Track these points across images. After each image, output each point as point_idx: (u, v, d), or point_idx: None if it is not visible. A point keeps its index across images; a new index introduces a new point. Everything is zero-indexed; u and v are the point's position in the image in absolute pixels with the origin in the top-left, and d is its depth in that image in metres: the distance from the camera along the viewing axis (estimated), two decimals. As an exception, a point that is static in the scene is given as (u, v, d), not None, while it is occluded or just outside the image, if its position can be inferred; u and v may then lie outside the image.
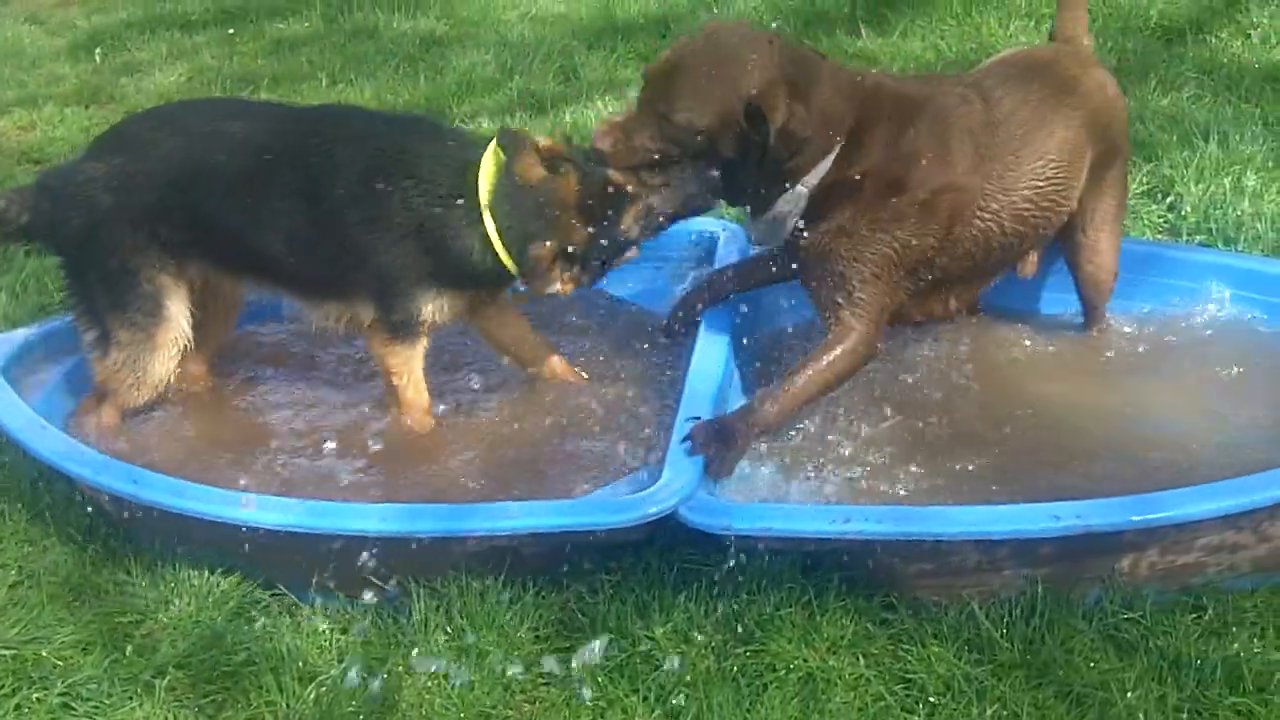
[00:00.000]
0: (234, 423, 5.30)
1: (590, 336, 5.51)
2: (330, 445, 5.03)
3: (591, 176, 4.67)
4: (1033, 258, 5.14)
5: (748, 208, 4.79)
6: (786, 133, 4.38)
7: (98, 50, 10.40)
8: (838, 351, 4.61)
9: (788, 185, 4.58)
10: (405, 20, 10.22)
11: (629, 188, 4.63)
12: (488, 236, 4.75)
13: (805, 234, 4.65)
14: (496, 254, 4.76)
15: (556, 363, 5.27)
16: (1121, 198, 5.15)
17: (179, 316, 5.08)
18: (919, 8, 9.13)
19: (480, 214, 4.74)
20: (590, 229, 4.71)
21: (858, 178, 4.56)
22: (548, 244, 4.71)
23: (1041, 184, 4.75)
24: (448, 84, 8.79)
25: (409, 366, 5.03)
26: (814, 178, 4.57)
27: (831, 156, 4.56)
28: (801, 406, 4.62)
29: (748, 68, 4.39)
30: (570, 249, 4.73)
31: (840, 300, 4.64)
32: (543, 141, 4.79)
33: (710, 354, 4.87)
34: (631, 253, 4.86)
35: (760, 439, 4.55)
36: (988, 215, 4.69)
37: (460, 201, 4.76)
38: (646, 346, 5.39)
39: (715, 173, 4.54)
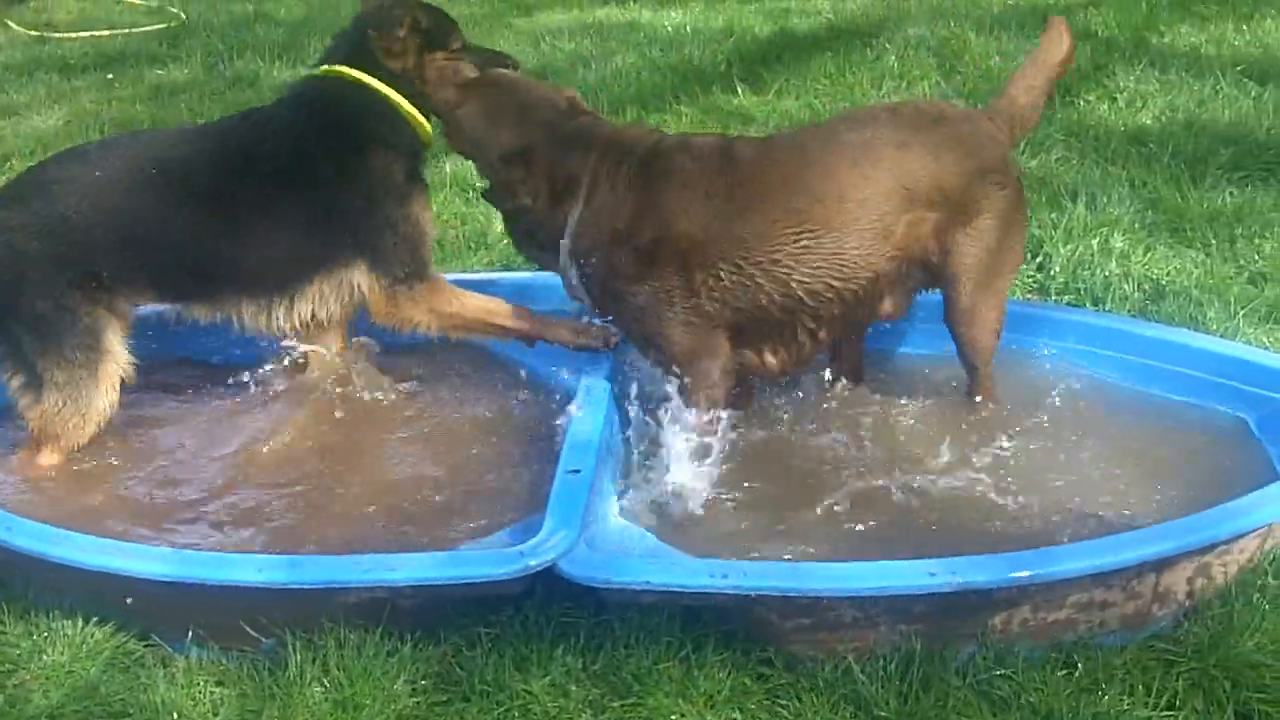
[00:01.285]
0: (121, 468, 5.24)
1: (473, 387, 5.52)
2: (209, 493, 5.01)
3: None
4: (888, 303, 5.05)
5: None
6: (510, 189, 5.05)
7: (-26, 93, 10.30)
8: (693, 398, 4.86)
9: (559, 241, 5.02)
10: (286, 69, 10.24)
11: None
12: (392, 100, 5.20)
13: (595, 301, 5.06)
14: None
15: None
16: (998, 256, 5.00)
17: (119, 348, 5.07)
18: (794, 67, 9.29)
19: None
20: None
21: (595, 233, 4.92)
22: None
23: (814, 255, 4.77)
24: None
25: (443, 296, 5.26)
26: (566, 236, 4.99)
27: (576, 213, 4.96)
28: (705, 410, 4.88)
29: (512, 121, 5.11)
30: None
31: (655, 356, 4.95)
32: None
33: (591, 403, 4.90)
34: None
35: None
36: (736, 272, 4.78)
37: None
38: (526, 398, 5.41)
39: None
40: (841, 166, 4.81)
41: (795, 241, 4.76)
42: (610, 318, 5.09)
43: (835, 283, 4.81)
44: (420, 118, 5.23)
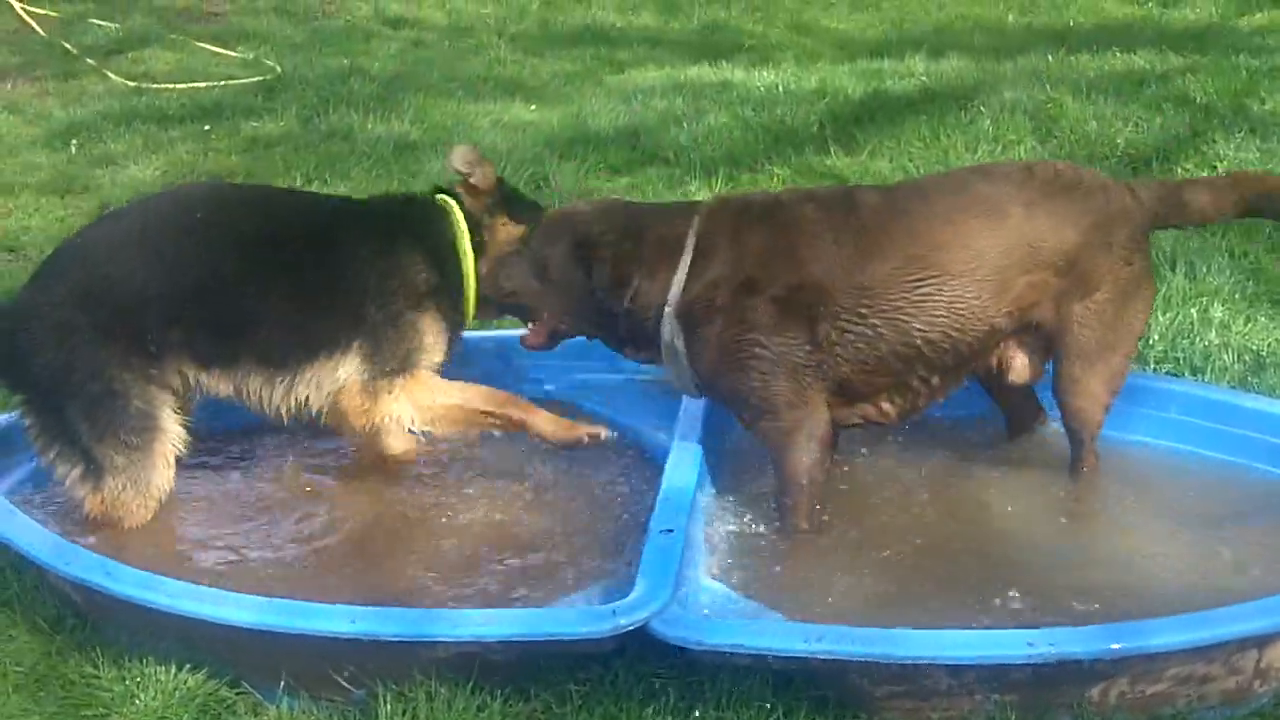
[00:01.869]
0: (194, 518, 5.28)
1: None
2: (298, 540, 5.06)
3: None
4: (1019, 363, 5.05)
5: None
6: (613, 262, 4.96)
7: (73, 141, 10.44)
8: (786, 467, 4.83)
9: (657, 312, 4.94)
10: (379, 124, 10.29)
11: None
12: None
13: (699, 365, 4.94)
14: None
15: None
16: (1113, 333, 4.96)
17: (172, 424, 5.05)
18: (887, 129, 9.28)
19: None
20: None
21: (715, 287, 4.82)
22: None
23: (933, 305, 4.75)
24: (421, 187, 8.77)
25: (431, 390, 5.22)
26: (673, 301, 4.90)
27: (682, 273, 4.87)
28: (806, 517, 4.83)
29: (585, 219, 5.11)
30: None
31: (751, 416, 4.89)
32: None
33: (683, 463, 4.89)
34: None
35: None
36: (859, 322, 4.75)
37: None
38: (617, 459, 5.41)
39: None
40: (967, 216, 4.81)
41: (917, 289, 4.74)
42: (709, 384, 4.99)
43: (953, 333, 4.79)
44: (469, 264, 5.30)
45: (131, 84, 11.90)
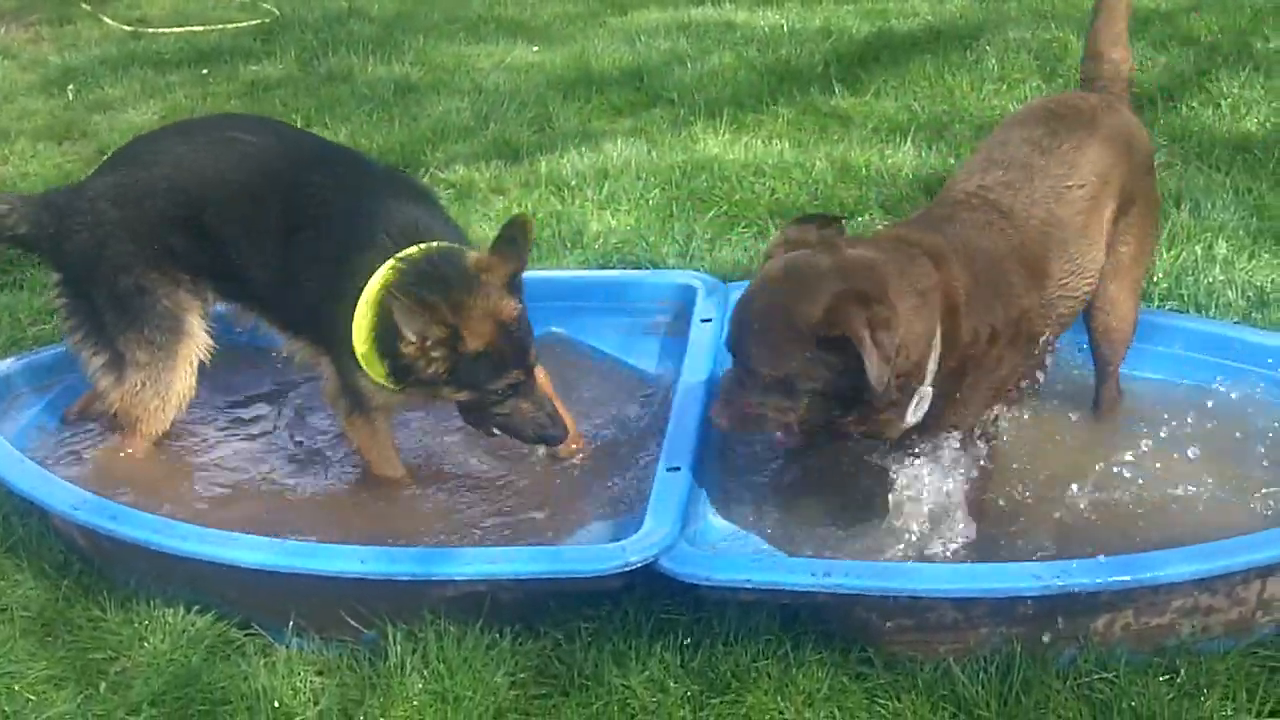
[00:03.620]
0: (206, 459, 5.31)
1: (569, 386, 5.48)
2: (310, 484, 5.08)
3: None
4: None
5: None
6: (877, 332, 4.07)
7: (70, 87, 10.42)
8: (991, 466, 4.64)
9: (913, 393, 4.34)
10: (380, 66, 10.27)
11: None
12: None
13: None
14: None
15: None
16: (1142, 245, 5.03)
17: (199, 330, 5.08)
18: (892, 69, 9.24)
19: None
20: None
21: (968, 345, 4.39)
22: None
23: (1069, 278, 4.67)
24: (422, 130, 8.81)
25: (374, 441, 5.03)
26: (931, 374, 4.33)
27: (936, 343, 4.30)
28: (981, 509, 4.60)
29: (803, 299, 4.18)
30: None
31: (959, 433, 4.56)
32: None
33: (690, 401, 4.89)
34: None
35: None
36: (1040, 324, 4.62)
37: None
38: (624, 397, 5.42)
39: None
40: (1063, 191, 4.69)
41: (1070, 270, 4.67)
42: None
43: (1086, 293, 4.81)
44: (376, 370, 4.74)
45: (128, 28, 11.87)
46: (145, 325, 4.98)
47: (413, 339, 4.45)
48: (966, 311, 4.34)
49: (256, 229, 4.93)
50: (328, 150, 5.40)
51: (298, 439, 5.39)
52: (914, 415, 4.36)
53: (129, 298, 4.97)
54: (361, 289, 4.61)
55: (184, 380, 5.06)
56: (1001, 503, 4.69)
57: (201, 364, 5.12)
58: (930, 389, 4.33)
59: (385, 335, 4.55)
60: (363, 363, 4.68)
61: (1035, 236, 4.58)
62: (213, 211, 4.96)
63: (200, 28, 11.66)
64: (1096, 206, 4.74)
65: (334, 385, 4.98)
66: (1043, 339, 4.65)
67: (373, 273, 4.61)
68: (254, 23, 11.69)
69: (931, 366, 4.29)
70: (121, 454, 5.15)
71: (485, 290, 4.53)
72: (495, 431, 4.81)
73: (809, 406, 4.26)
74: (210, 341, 5.13)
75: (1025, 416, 4.95)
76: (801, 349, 4.16)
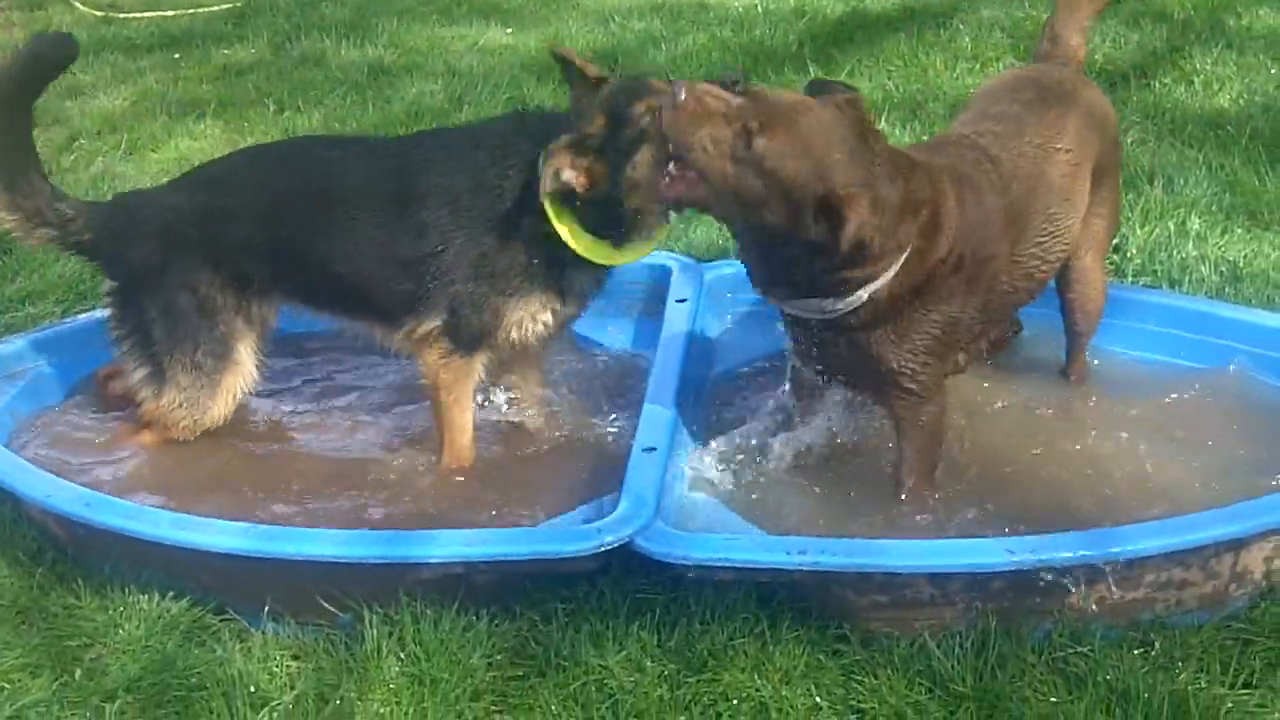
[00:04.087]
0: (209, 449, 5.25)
1: (546, 370, 5.49)
2: (284, 468, 5.07)
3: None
4: None
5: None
6: (858, 243, 4.07)
7: (41, 72, 10.33)
8: (927, 431, 4.58)
9: (847, 292, 4.28)
10: (353, 49, 10.24)
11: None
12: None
13: (849, 320, 4.40)
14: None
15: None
16: (1113, 219, 5.11)
17: (248, 361, 5.07)
18: (866, 48, 9.25)
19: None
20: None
21: (928, 272, 4.34)
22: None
23: (1045, 238, 4.66)
24: (396, 113, 8.79)
25: (463, 389, 5.00)
26: (879, 284, 4.28)
27: (900, 261, 4.27)
28: (930, 479, 4.61)
29: (845, 156, 4.10)
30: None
31: (905, 391, 4.50)
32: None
33: (665, 381, 4.90)
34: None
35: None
36: (1006, 277, 4.58)
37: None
38: (599, 378, 5.43)
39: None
40: (1052, 151, 4.72)
41: (1046, 231, 4.67)
42: (866, 358, 4.48)
43: (1058, 260, 4.81)
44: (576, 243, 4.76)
45: (99, 13, 11.81)
46: (196, 348, 4.98)
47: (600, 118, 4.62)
48: (946, 231, 4.33)
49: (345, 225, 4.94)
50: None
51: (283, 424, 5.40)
52: (834, 303, 4.30)
53: (184, 317, 4.97)
54: (515, 197, 4.76)
55: (222, 408, 5.07)
56: (974, 476, 4.71)
57: None
58: (874, 292, 4.29)
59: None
60: (571, 240, 4.71)
61: (1020, 187, 4.59)
62: (303, 231, 4.96)
63: (171, 12, 11.61)
64: (1079, 172, 4.77)
65: (445, 343, 4.92)
66: (1003, 295, 4.63)
67: (520, 175, 4.77)
68: (225, 6, 11.63)
69: (889, 273, 4.26)
70: (132, 439, 5.16)
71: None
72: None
73: (739, 201, 4.14)
74: (255, 374, 5.11)
75: (998, 394, 4.97)
76: (809, 178, 4.05)
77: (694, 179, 4.13)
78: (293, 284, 5.07)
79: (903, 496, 4.57)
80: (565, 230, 4.70)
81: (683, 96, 4.08)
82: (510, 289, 4.82)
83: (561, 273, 4.84)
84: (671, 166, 4.20)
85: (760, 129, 4.04)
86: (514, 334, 4.89)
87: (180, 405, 5.02)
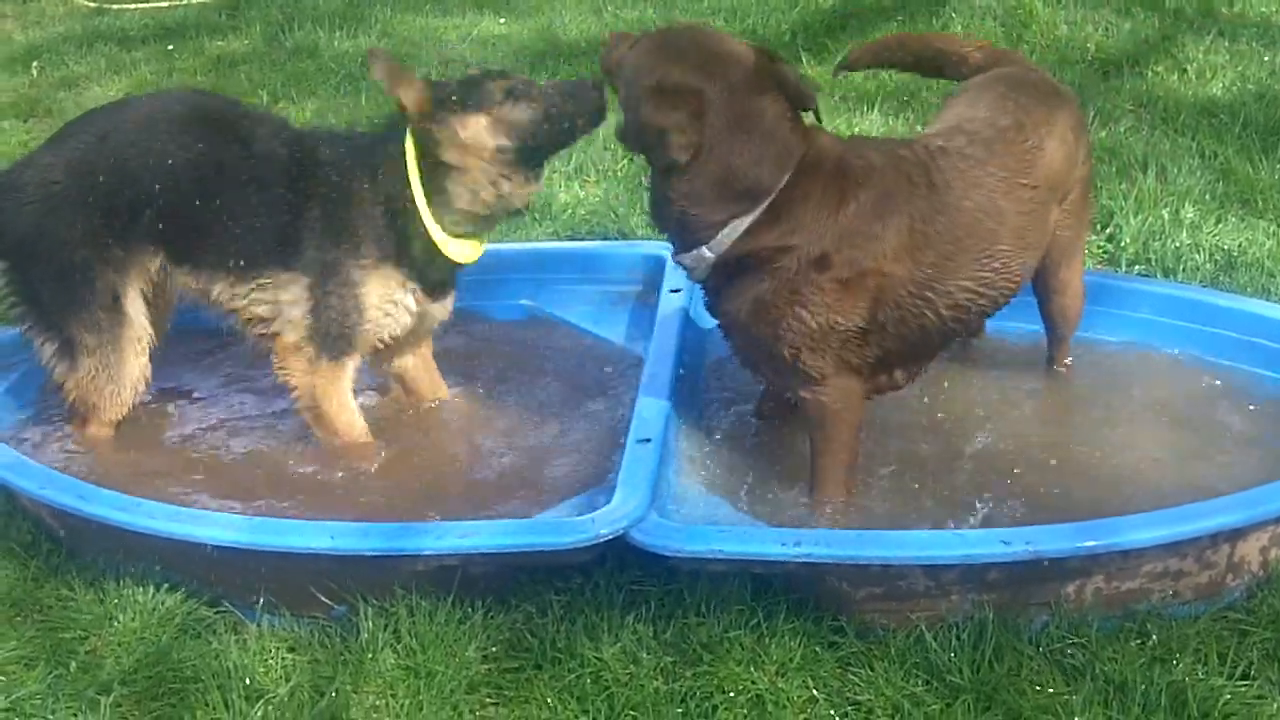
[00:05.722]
0: (171, 437, 5.28)
1: (539, 358, 5.53)
2: (278, 460, 5.05)
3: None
4: None
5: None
6: (675, 169, 4.23)
7: (35, 64, 10.37)
8: (823, 431, 4.54)
9: (690, 236, 4.38)
10: (346, 39, 10.23)
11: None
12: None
13: (720, 304, 4.53)
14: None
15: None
16: (1082, 223, 5.02)
17: (137, 313, 5.01)
18: (859, 36, 9.22)
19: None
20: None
21: (777, 248, 4.31)
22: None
23: (987, 274, 4.49)
24: (390, 103, 8.73)
25: (338, 392, 4.97)
26: (721, 244, 4.33)
27: (746, 223, 4.29)
28: (844, 482, 4.56)
29: (697, 80, 4.21)
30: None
31: (790, 380, 4.52)
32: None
33: (659, 373, 4.88)
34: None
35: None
36: (920, 303, 4.43)
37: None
38: (594, 368, 5.43)
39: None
40: (1016, 183, 4.54)
41: (984, 268, 4.49)
42: (730, 325, 4.61)
43: (1004, 296, 4.63)
44: (436, 233, 4.85)
45: (92, 4, 11.82)
46: (89, 305, 4.91)
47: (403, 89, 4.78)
48: (792, 218, 4.30)
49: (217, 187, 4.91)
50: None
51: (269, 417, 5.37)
52: (682, 255, 4.44)
53: (71, 275, 4.90)
54: (387, 175, 4.83)
55: (133, 363, 5.01)
56: (968, 469, 4.71)
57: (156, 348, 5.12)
58: (710, 254, 4.35)
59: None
60: (429, 217, 4.80)
61: (951, 220, 4.41)
62: (166, 179, 4.92)
63: (165, 3, 11.61)
64: (1043, 211, 4.64)
65: (304, 328, 4.89)
66: (921, 320, 4.46)
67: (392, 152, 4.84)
68: (218, -3, 11.64)
69: (725, 233, 4.32)
70: (84, 437, 5.12)
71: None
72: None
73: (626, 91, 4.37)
74: (147, 324, 5.07)
75: (990, 383, 4.97)
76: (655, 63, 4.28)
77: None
78: (160, 238, 5.00)
79: (813, 504, 4.54)
80: (430, 217, 4.79)
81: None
82: (366, 265, 4.83)
83: (416, 260, 4.88)
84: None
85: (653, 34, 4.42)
86: (376, 319, 4.89)
87: (97, 370, 4.97)
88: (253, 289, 4.93)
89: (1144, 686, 3.83)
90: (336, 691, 4.03)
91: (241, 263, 4.91)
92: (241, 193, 4.88)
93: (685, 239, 4.41)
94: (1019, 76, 4.92)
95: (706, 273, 4.44)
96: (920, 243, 4.36)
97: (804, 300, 4.33)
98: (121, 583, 4.48)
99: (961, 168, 4.47)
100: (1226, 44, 8.47)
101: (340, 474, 4.92)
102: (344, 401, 4.96)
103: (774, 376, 4.66)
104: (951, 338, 4.69)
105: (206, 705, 4.02)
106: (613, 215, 6.72)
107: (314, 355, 4.88)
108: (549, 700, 3.98)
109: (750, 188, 4.27)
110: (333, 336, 4.86)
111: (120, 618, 4.37)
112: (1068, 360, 5.20)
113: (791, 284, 4.32)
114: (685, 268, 4.51)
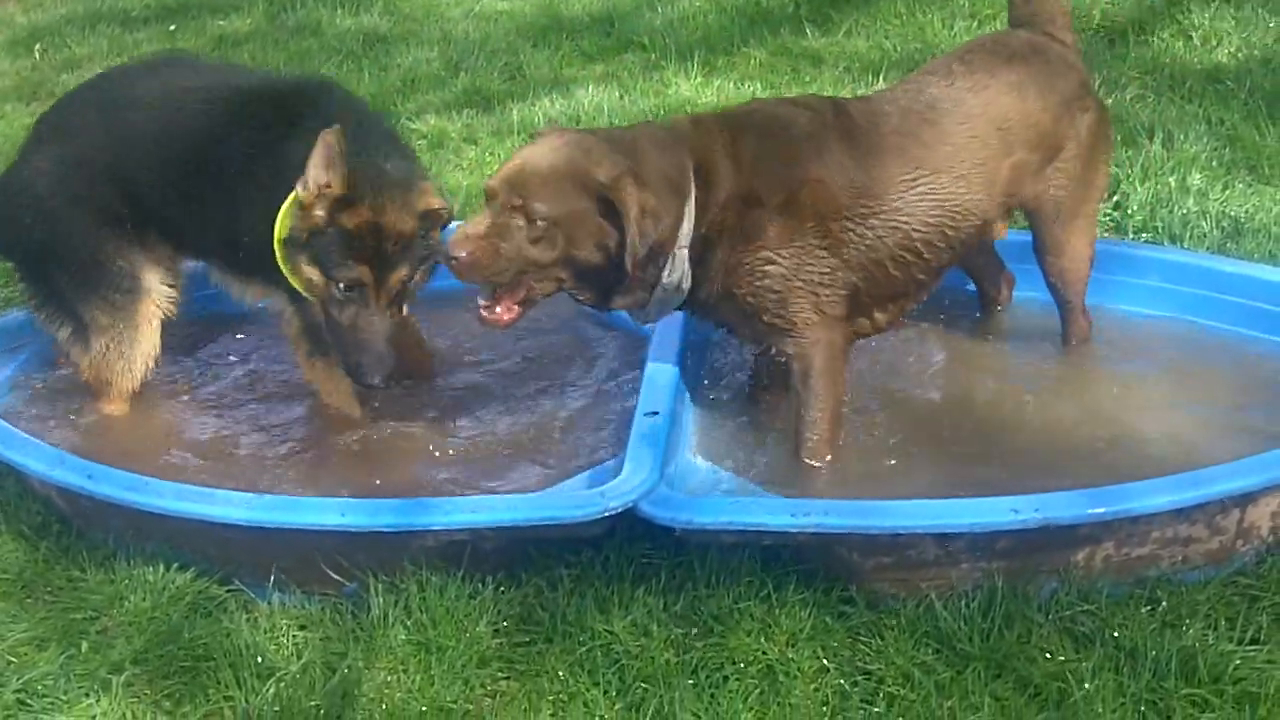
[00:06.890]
0: (187, 416, 5.28)
1: (549, 335, 5.53)
2: (287, 439, 5.05)
3: None
4: (1000, 228, 5.04)
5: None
6: (644, 217, 4.29)
7: (37, 46, 10.36)
8: (809, 385, 4.60)
9: (667, 258, 4.46)
10: (348, 17, 10.21)
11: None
12: None
13: (700, 292, 4.60)
14: None
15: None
16: (1083, 186, 5.00)
17: (157, 287, 5.05)
18: (863, 7, 9.19)
19: None
20: None
21: (719, 212, 4.49)
22: None
23: (926, 204, 4.64)
24: (392, 81, 8.79)
25: (334, 383, 5.04)
26: (685, 238, 4.46)
27: (690, 210, 4.45)
28: (830, 438, 4.62)
29: (593, 162, 4.32)
30: None
31: (773, 332, 4.63)
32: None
33: (666, 346, 4.88)
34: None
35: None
36: (868, 231, 4.59)
37: None
38: (600, 343, 5.43)
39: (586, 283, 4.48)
40: (939, 115, 4.72)
41: (913, 189, 4.62)
42: (723, 310, 4.68)
43: (949, 231, 4.70)
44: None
45: (93, -15, 11.79)
46: (102, 287, 4.98)
47: (312, 185, 4.48)
48: (722, 178, 4.49)
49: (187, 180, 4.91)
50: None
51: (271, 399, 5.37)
52: (669, 275, 4.47)
53: (84, 265, 4.98)
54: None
55: (147, 338, 5.06)
56: (978, 436, 4.71)
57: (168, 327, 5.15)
58: (684, 252, 4.46)
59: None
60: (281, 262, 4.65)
61: (877, 140, 4.64)
62: (144, 170, 4.95)
63: (166, -17, 11.58)
64: (988, 152, 4.74)
65: (296, 326, 5.00)
66: (872, 254, 4.62)
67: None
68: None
69: (683, 230, 4.44)
70: (102, 418, 5.14)
71: (404, 198, 4.59)
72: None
73: (559, 264, 4.36)
74: (170, 296, 5.12)
75: (1000, 354, 4.97)
76: (583, 199, 4.29)
77: (518, 290, 4.40)
78: (155, 222, 5.04)
79: (804, 457, 4.61)
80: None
81: (455, 253, 4.29)
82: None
83: None
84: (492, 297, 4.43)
85: (523, 201, 4.29)
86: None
87: (109, 348, 5.02)
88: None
89: (1154, 652, 3.84)
90: (348, 668, 4.03)
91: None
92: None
93: (658, 265, 4.46)
94: (994, 38, 5.12)
95: (685, 274, 4.49)
96: (840, 162, 4.58)
97: (763, 242, 4.50)
98: (132, 562, 4.48)
99: (871, 104, 4.77)
100: (1232, 10, 8.41)
101: (349, 451, 4.94)
102: (340, 386, 5.08)
103: (766, 334, 4.68)
104: (921, 276, 4.77)
105: (219, 683, 4.03)
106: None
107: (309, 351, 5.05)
108: (560, 673, 3.98)
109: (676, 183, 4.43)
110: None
111: (130, 597, 4.37)
112: (1081, 332, 5.17)
113: (744, 234, 4.49)
114: (672, 286, 4.52)
